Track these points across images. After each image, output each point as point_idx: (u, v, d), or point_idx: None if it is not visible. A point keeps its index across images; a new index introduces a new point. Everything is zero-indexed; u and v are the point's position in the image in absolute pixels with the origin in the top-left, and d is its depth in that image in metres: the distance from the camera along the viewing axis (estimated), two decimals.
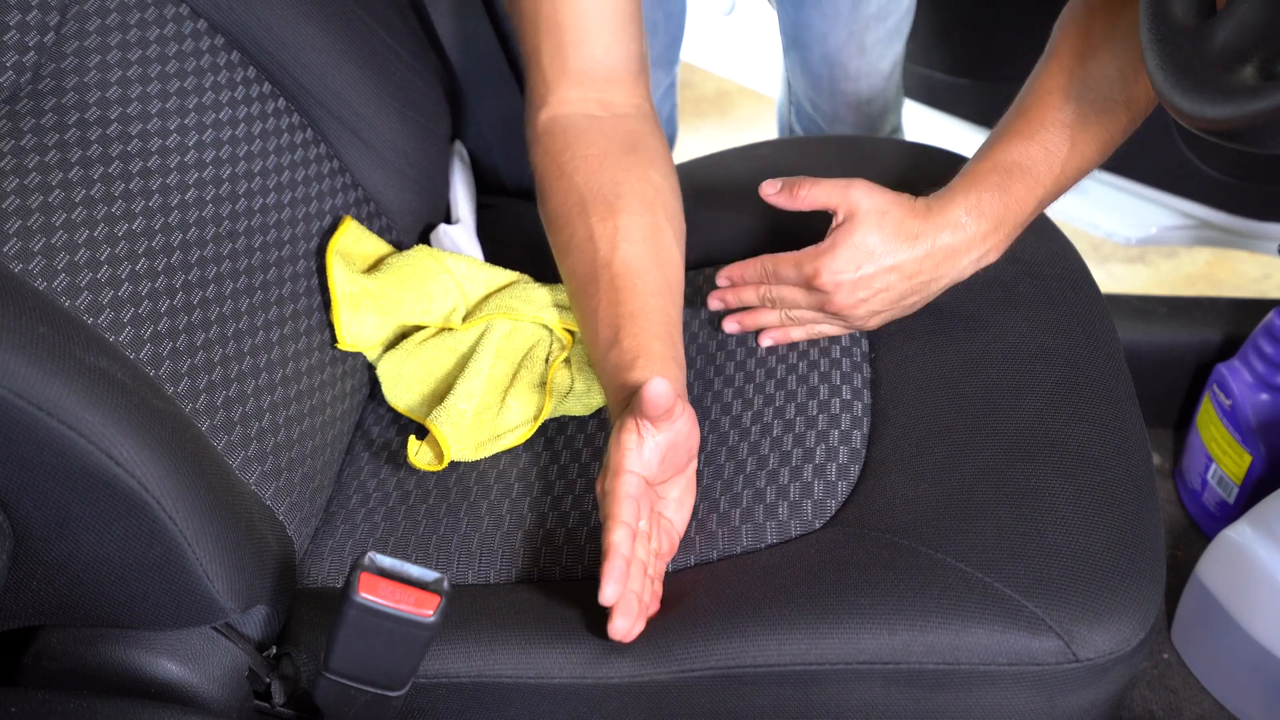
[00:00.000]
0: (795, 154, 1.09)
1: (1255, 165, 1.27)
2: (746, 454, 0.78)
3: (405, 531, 0.79)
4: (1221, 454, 1.12)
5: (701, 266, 0.97)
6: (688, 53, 1.88)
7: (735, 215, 0.99)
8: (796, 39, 1.31)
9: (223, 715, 0.70)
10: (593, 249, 0.79)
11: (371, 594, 0.56)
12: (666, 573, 0.73)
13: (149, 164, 0.76)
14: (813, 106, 1.36)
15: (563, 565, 0.74)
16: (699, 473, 0.78)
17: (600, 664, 0.68)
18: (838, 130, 1.37)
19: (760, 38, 1.69)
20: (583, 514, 0.77)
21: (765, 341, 0.85)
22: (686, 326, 0.91)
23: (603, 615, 0.70)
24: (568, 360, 0.88)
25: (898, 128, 1.42)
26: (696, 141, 1.96)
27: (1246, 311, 1.20)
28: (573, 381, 0.86)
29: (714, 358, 0.87)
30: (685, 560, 0.73)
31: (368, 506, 0.82)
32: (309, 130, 0.90)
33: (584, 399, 0.86)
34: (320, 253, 0.88)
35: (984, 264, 0.79)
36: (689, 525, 0.74)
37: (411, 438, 0.82)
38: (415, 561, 0.63)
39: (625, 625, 0.66)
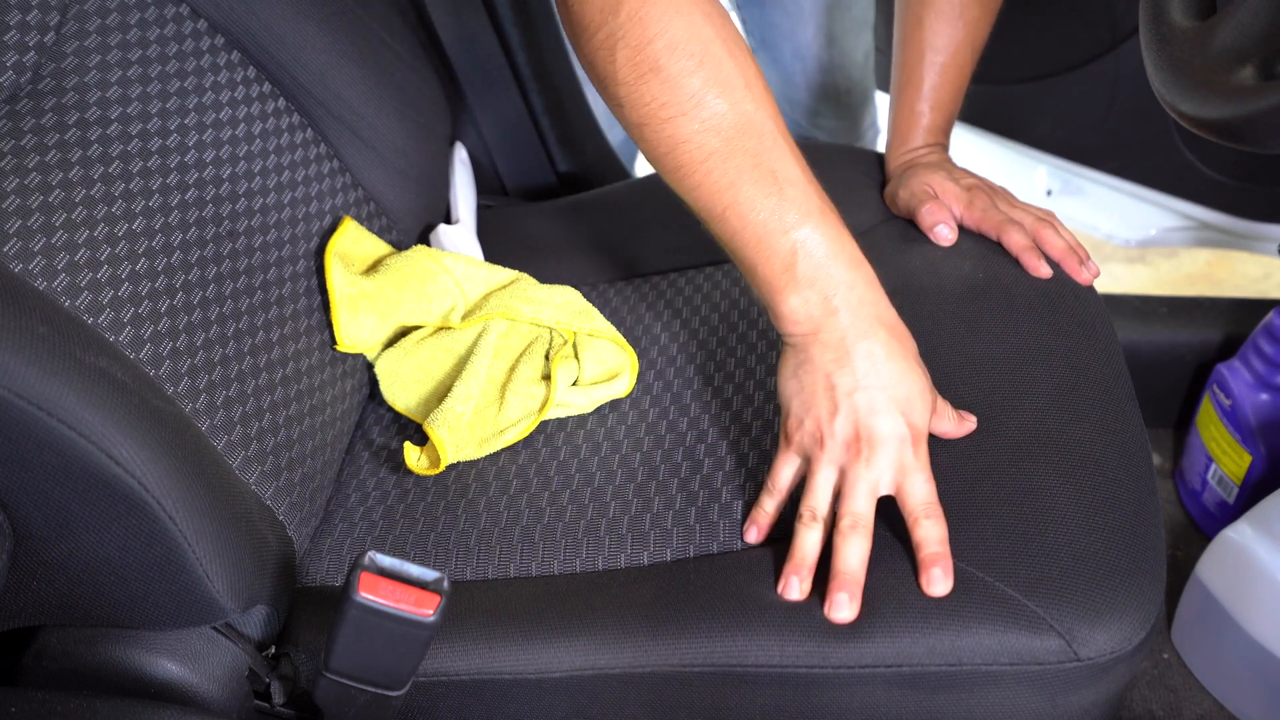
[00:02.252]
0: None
1: (1255, 166, 1.27)
2: (749, 448, 0.78)
3: (404, 530, 0.79)
4: (1221, 454, 1.12)
5: (702, 266, 0.97)
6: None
7: None
8: (765, 39, 1.32)
9: (223, 715, 0.70)
10: (752, 96, 0.68)
11: (371, 594, 0.56)
12: (666, 563, 0.73)
13: (149, 164, 0.76)
14: (790, 105, 1.37)
15: (561, 560, 0.74)
16: (700, 462, 0.78)
17: (599, 656, 0.68)
18: (820, 125, 1.37)
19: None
20: (580, 508, 0.77)
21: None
22: (686, 325, 0.91)
23: (601, 608, 0.70)
24: (572, 353, 0.88)
25: (875, 121, 1.42)
26: None
27: (1246, 311, 1.20)
28: (577, 374, 0.86)
29: (714, 354, 0.87)
30: (684, 551, 0.73)
31: (366, 505, 0.82)
32: (309, 130, 0.90)
33: (587, 394, 0.86)
34: (320, 253, 0.88)
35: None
36: (690, 514, 0.75)
37: (408, 444, 0.82)
38: (414, 560, 0.63)
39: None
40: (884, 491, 0.68)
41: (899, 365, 0.69)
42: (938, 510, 0.67)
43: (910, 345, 0.71)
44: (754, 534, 0.72)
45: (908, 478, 0.68)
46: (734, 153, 0.68)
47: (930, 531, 0.67)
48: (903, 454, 0.68)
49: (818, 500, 0.69)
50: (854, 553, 0.66)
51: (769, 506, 0.72)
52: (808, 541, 0.68)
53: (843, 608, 0.66)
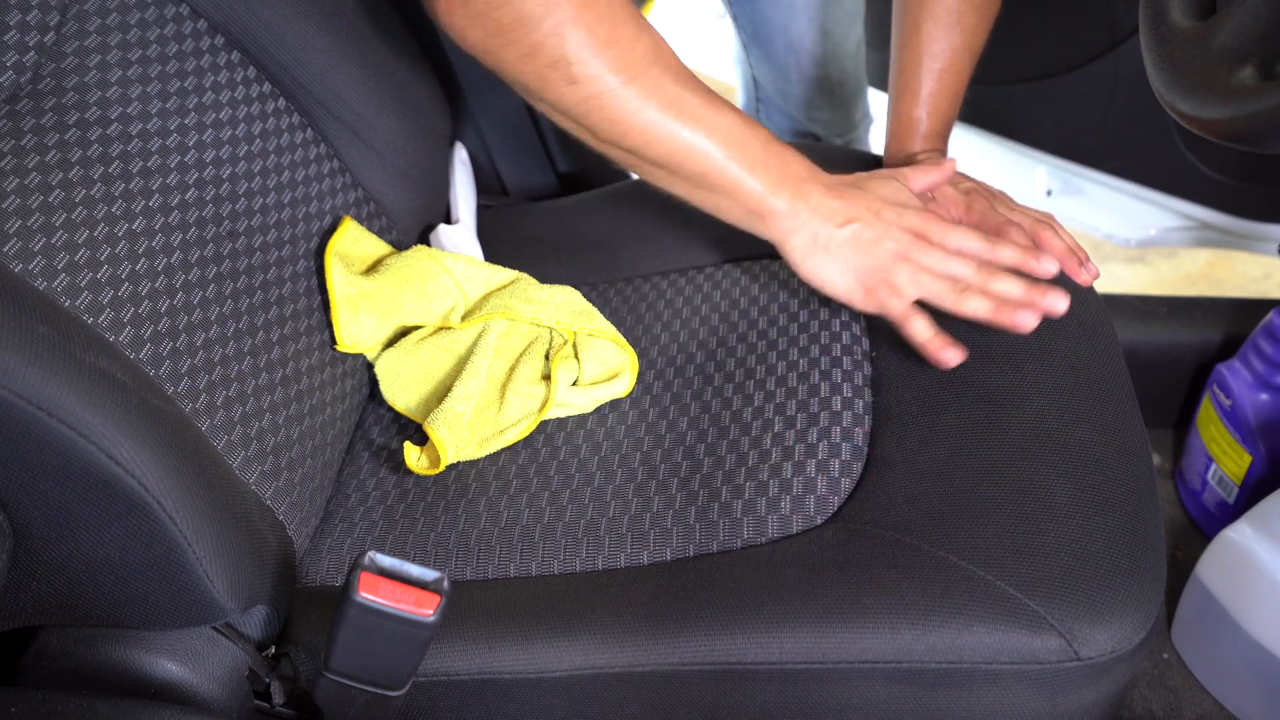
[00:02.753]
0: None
1: (1255, 166, 1.27)
2: (748, 447, 0.78)
3: (404, 530, 0.79)
4: (1221, 454, 1.12)
5: (702, 266, 0.97)
6: (682, 56, 1.87)
7: None
8: (757, 34, 1.32)
9: (223, 715, 0.70)
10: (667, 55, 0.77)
11: (371, 594, 0.56)
12: (666, 562, 0.73)
13: (149, 164, 0.76)
14: (784, 99, 1.37)
15: (561, 559, 0.74)
16: (700, 461, 0.78)
17: (599, 655, 0.68)
18: (815, 117, 1.37)
19: None
20: (580, 508, 0.77)
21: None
22: (686, 324, 0.91)
23: (600, 607, 0.70)
24: (572, 352, 0.88)
25: (868, 112, 1.43)
26: None
27: (1246, 311, 1.20)
28: (577, 374, 0.86)
29: (714, 354, 0.87)
30: (684, 551, 0.73)
31: (366, 505, 0.82)
32: (309, 130, 0.90)
33: (587, 394, 0.86)
34: (320, 253, 0.88)
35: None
36: (690, 513, 0.75)
37: (408, 444, 0.82)
38: (414, 560, 0.63)
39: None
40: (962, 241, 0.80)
41: (865, 184, 0.81)
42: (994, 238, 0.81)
43: (888, 184, 0.83)
44: (954, 352, 0.79)
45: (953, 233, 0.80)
46: (670, 117, 0.76)
47: (1009, 246, 0.81)
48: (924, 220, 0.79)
49: (942, 290, 0.79)
50: (1008, 284, 0.78)
51: (924, 330, 0.79)
52: (972, 302, 0.78)
53: (1059, 302, 0.77)
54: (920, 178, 0.87)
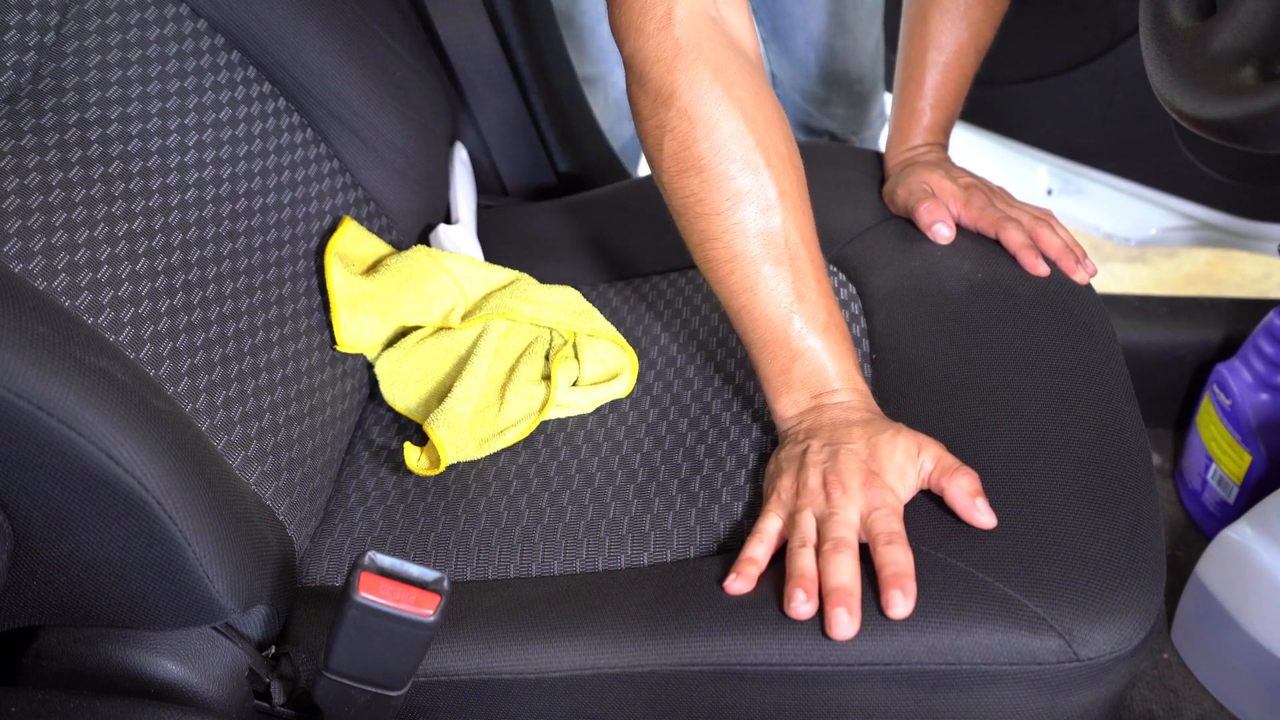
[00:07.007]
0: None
1: (1255, 166, 1.27)
2: (749, 449, 0.78)
3: (404, 530, 0.79)
4: (1221, 454, 1.12)
5: None
6: None
7: None
8: (777, 29, 1.32)
9: (223, 715, 0.70)
10: (777, 211, 0.73)
11: (371, 594, 0.56)
12: (666, 563, 0.73)
13: (149, 164, 0.76)
14: (802, 95, 1.37)
15: (561, 560, 0.74)
16: (700, 463, 0.78)
17: (599, 655, 0.68)
18: (831, 114, 1.37)
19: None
20: (580, 509, 0.77)
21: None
22: (686, 325, 0.91)
23: (601, 608, 0.70)
24: (572, 353, 0.88)
25: (884, 111, 1.43)
26: None
27: (1246, 311, 1.20)
28: (577, 374, 0.86)
29: (714, 354, 0.87)
30: (685, 552, 0.73)
31: (366, 505, 0.82)
32: (309, 130, 0.90)
33: (587, 394, 0.86)
34: (320, 253, 0.88)
35: None
36: (690, 514, 0.75)
37: (408, 444, 0.82)
38: (414, 560, 0.63)
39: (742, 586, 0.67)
40: (853, 520, 0.67)
41: (867, 449, 0.70)
42: (903, 539, 0.66)
43: (887, 446, 0.70)
44: (741, 584, 0.68)
45: (874, 511, 0.67)
46: (757, 259, 0.73)
47: (895, 554, 0.65)
48: (869, 491, 0.68)
49: (803, 531, 0.68)
50: (841, 568, 0.65)
51: (759, 553, 0.69)
52: (804, 559, 0.66)
53: (842, 623, 0.63)
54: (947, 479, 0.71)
